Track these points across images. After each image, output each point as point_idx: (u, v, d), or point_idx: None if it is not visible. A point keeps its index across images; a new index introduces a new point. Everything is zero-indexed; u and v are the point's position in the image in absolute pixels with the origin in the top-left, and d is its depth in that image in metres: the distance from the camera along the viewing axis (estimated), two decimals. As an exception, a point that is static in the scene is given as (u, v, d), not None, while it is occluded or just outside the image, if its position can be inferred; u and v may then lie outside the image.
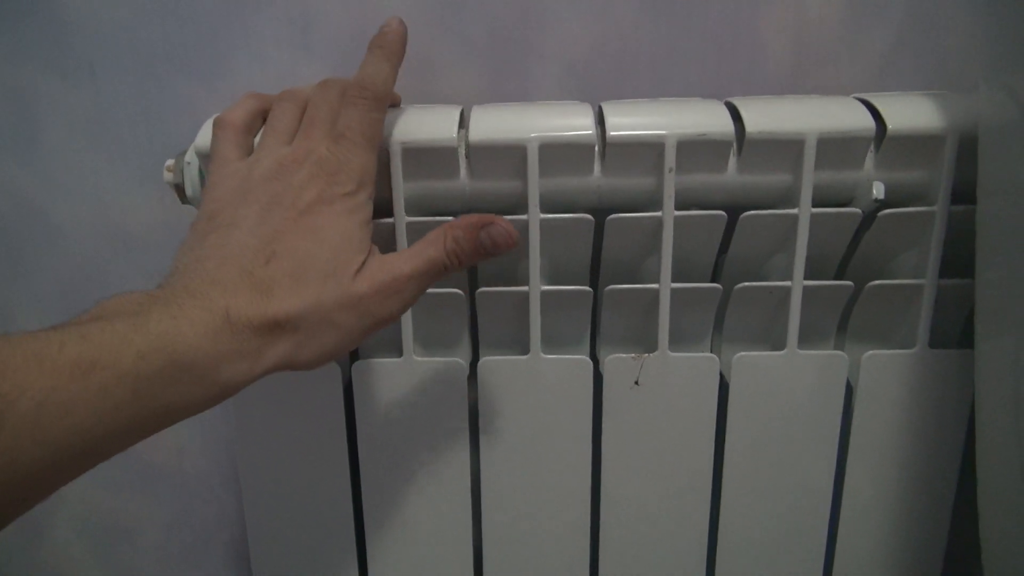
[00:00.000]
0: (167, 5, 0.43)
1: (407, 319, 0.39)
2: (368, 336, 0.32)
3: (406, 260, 0.32)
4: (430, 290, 0.38)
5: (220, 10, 0.42)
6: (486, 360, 0.40)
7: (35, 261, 0.48)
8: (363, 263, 0.32)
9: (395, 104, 0.39)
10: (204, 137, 0.37)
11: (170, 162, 0.39)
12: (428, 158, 0.37)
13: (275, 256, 0.30)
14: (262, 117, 0.36)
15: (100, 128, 0.45)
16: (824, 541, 0.42)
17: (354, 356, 0.42)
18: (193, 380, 0.27)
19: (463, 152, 0.37)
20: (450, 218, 0.37)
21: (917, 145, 0.36)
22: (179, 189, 0.39)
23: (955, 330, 0.40)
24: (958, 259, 0.38)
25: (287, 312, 0.29)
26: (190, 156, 0.39)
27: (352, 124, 0.33)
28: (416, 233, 0.37)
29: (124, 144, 0.45)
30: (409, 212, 0.37)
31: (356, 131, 0.33)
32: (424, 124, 0.37)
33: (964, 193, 0.36)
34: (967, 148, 0.36)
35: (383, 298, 0.32)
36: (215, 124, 0.35)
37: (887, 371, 0.39)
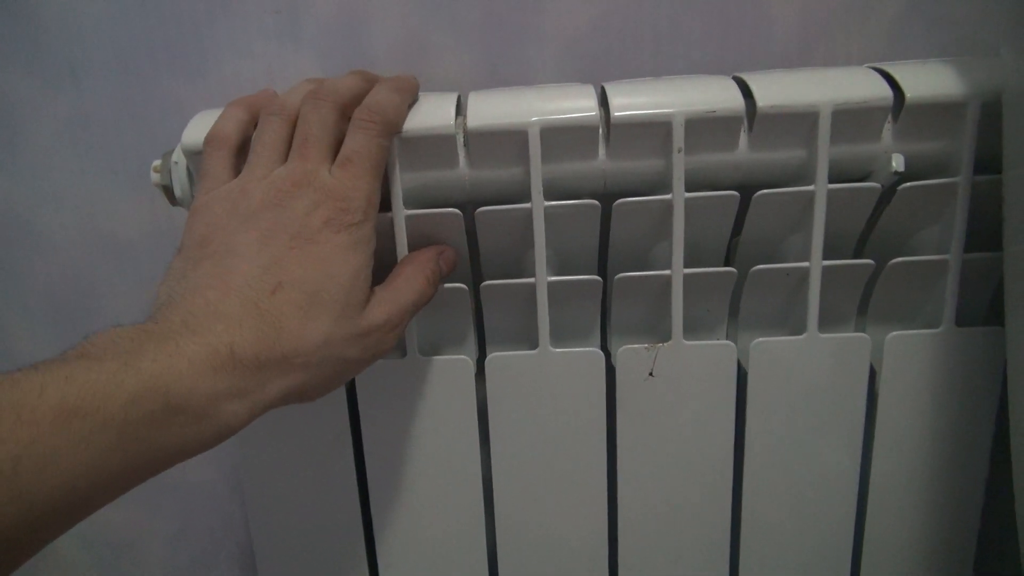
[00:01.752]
0: (147, 2, 0.41)
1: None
2: (361, 370, 0.32)
3: (403, 292, 0.33)
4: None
5: (202, 4, 0.41)
6: (494, 356, 0.38)
7: (23, 269, 0.47)
8: (370, 297, 0.31)
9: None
10: (191, 135, 0.36)
11: (156, 162, 0.38)
12: (425, 147, 0.35)
13: (281, 287, 0.29)
14: (253, 126, 0.34)
15: (84, 131, 0.44)
16: (851, 531, 0.41)
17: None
18: (189, 422, 0.25)
19: (461, 140, 0.36)
20: (452, 209, 0.35)
21: (937, 114, 0.35)
22: (167, 190, 0.38)
23: (983, 307, 0.39)
24: (984, 232, 0.36)
25: (296, 348, 0.28)
26: (177, 155, 0.37)
27: (360, 150, 0.32)
28: (415, 227, 0.36)
29: (109, 147, 0.44)
30: (407, 205, 0.36)
31: (364, 157, 0.31)
32: (420, 112, 0.35)
33: (988, 162, 0.35)
34: (990, 115, 0.34)
35: (389, 330, 0.32)
36: (206, 141, 0.34)
37: (912, 352, 0.38)
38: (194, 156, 0.36)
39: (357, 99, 0.33)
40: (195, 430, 0.25)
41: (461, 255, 0.37)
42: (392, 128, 0.33)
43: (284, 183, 0.31)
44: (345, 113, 0.33)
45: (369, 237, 0.31)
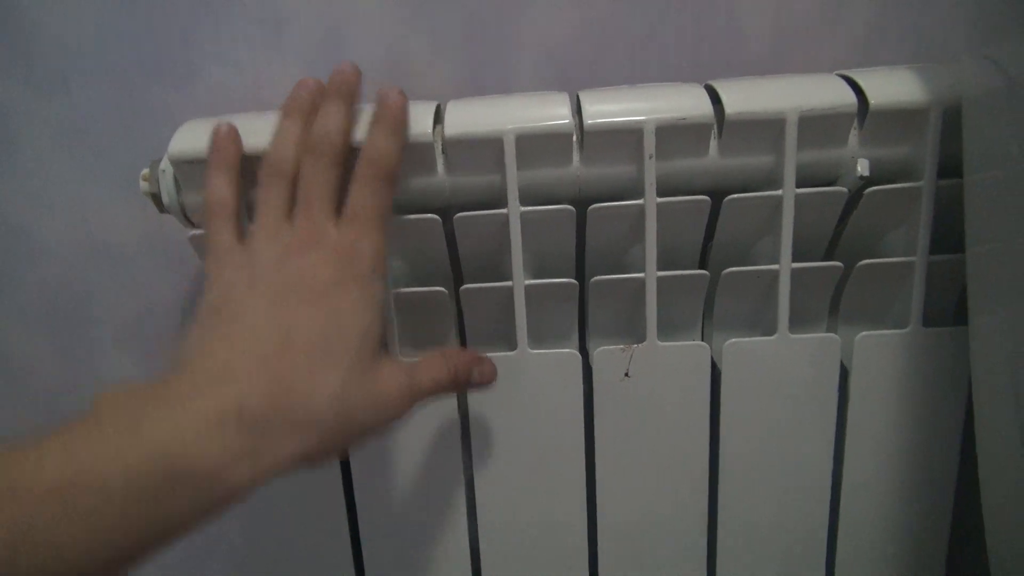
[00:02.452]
0: (136, 12, 0.42)
1: (393, 320, 0.38)
2: (371, 438, 0.31)
3: (422, 372, 0.32)
4: (415, 289, 0.38)
5: (189, 14, 0.42)
6: (473, 357, 0.39)
7: (18, 277, 0.48)
8: (382, 360, 0.31)
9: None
10: (177, 144, 0.37)
11: (145, 171, 0.39)
12: (405, 155, 0.36)
13: (291, 343, 0.28)
14: (241, 177, 0.34)
15: (76, 140, 0.45)
16: (826, 527, 0.42)
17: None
18: (196, 487, 0.24)
19: (440, 148, 0.37)
20: (431, 215, 0.36)
21: (901, 119, 0.36)
22: (156, 198, 0.39)
23: (949, 307, 0.40)
24: (948, 234, 0.37)
25: (307, 404, 0.27)
26: (164, 164, 0.38)
27: (364, 204, 0.32)
28: (396, 232, 0.37)
29: (102, 155, 0.45)
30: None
31: (370, 210, 0.32)
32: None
33: (951, 167, 0.36)
34: (952, 121, 0.35)
35: (402, 401, 0.31)
36: (206, 210, 0.33)
37: (881, 352, 0.39)
38: (181, 165, 0.37)
39: (350, 142, 0.33)
40: (202, 496, 0.24)
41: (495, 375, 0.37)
42: (394, 176, 0.33)
43: (292, 243, 0.31)
44: (343, 162, 0.33)
45: (379, 291, 0.31)
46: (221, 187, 0.34)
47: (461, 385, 0.34)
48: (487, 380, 0.36)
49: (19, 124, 0.45)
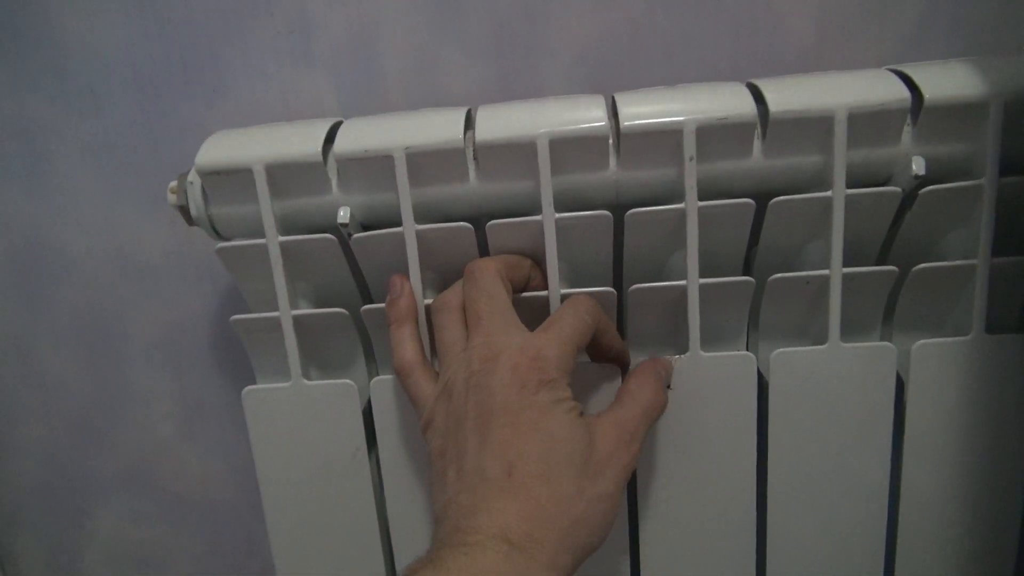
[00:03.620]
0: (164, 26, 0.42)
1: (423, 333, 0.37)
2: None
3: (632, 402, 0.33)
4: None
5: (217, 27, 0.42)
6: (508, 371, 0.37)
7: (49, 292, 0.48)
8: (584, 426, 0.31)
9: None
10: (205, 155, 0.36)
11: (173, 183, 0.38)
12: (435, 162, 0.35)
13: (513, 466, 0.29)
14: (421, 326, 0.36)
15: (106, 154, 0.45)
16: (883, 545, 0.39)
17: (373, 373, 0.40)
18: None
19: (471, 154, 0.36)
20: (463, 223, 0.35)
21: (958, 114, 0.34)
22: (184, 211, 0.38)
23: (1014, 313, 0.37)
24: (1012, 235, 0.35)
25: (559, 509, 0.28)
26: (192, 176, 0.38)
27: (565, 317, 0.33)
28: (426, 242, 0.36)
29: (131, 170, 0.45)
30: (418, 220, 0.36)
31: (567, 325, 0.32)
32: (429, 127, 0.35)
33: (1013, 163, 0.34)
34: (1014, 115, 0.33)
35: (625, 445, 0.31)
36: (396, 372, 0.35)
37: (941, 361, 0.37)
38: (209, 176, 0.36)
39: (513, 268, 0.35)
40: None
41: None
42: (599, 322, 0.34)
43: (474, 363, 0.31)
44: (504, 276, 0.34)
45: (567, 394, 0.31)
46: (406, 345, 0.35)
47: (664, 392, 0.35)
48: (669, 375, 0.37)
49: (48, 140, 0.45)
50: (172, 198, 0.38)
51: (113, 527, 0.52)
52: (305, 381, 0.38)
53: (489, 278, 0.33)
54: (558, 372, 0.31)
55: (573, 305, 0.34)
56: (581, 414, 0.31)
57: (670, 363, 0.37)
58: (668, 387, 0.37)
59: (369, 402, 0.39)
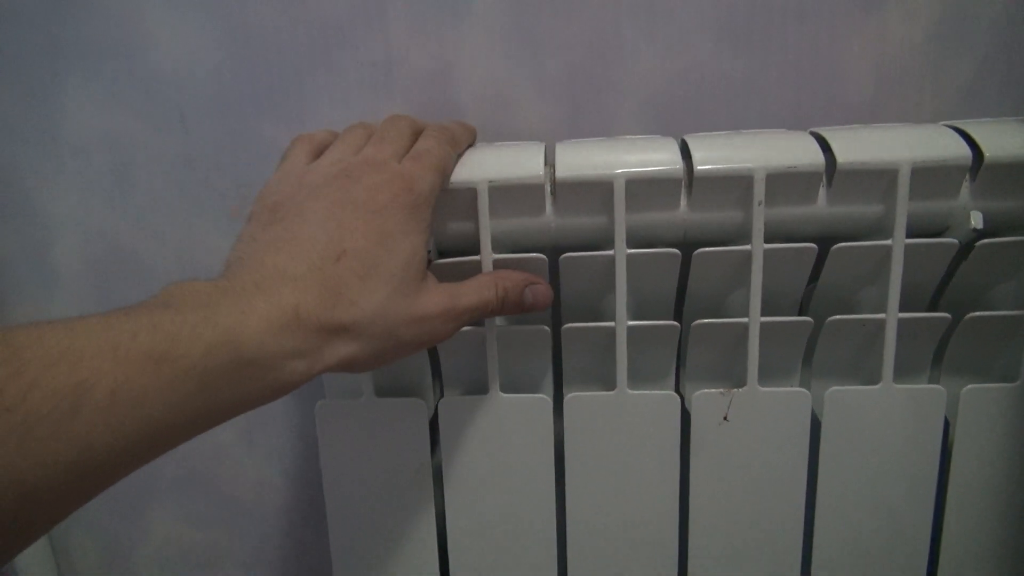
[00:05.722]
0: (253, 51, 0.44)
1: (492, 356, 0.39)
2: (412, 352, 0.32)
3: (467, 294, 0.34)
4: (516, 327, 0.39)
5: (304, 54, 0.44)
6: (573, 396, 0.39)
7: (124, 301, 0.49)
8: (425, 280, 0.33)
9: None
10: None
11: (234, 205, 0.40)
12: (514, 195, 0.37)
13: (345, 255, 0.30)
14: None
15: (188, 172, 0.47)
16: (922, 583, 0.41)
17: (440, 393, 0.42)
18: (255, 376, 0.26)
19: (549, 188, 0.37)
20: (538, 254, 0.37)
21: (1016, 173, 0.36)
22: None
23: (1060, 362, 0.39)
24: (1062, 289, 0.36)
25: (354, 318, 0.29)
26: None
27: (430, 149, 0.35)
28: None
29: (211, 187, 0.47)
30: (495, 250, 0.38)
31: (433, 156, 0.34)
32: (510, 161, 0.37)
33: (1067, 221, 0.35)
34: (1069, 175, 0.35)
35: (443, 322, 0.33)
36: (294, 138, 0.37)
37: (988, 405, 0.38)
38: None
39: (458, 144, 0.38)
40: (261, 384, 0.27)
41: (551, 298, 0.38)
42: (458, 146, 0.37)
43: (355, 164, 0.33)
44: (417, 133, 0.37)
45: (428, 222, 0.33)
46: (319, 131, 0.37)
47: (512, 306, 0.36)
48: (541, 302, 0.37)
49: (135, 154, 0.47)
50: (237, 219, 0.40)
51: (166, 528, 0.54)
52: (376, 397, 0.40)
53: (406, 123, 0.37)
54: (426, 201, 0.33)
55: (440, 142, 0.36)
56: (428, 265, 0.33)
57: (529, 285, 0.37)
58: (724, 419, 0.39)
59: (433, 420, 0.41)
